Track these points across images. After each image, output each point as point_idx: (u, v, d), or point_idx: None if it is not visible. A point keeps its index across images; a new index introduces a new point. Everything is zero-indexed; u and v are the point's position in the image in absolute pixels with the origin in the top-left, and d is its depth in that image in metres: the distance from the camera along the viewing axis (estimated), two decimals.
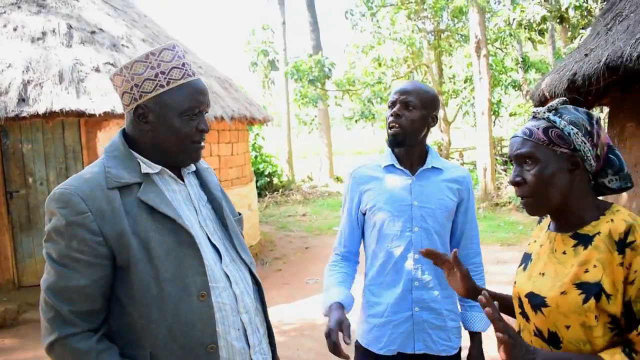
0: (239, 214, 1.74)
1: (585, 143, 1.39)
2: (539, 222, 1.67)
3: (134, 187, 1.43)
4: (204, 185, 1.65)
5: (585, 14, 9.49)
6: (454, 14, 15.07)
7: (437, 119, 2.13)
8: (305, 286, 6.92)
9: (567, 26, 11.96)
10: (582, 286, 1.33)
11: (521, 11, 9.41)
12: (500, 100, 17.13)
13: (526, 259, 1.58)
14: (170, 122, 1.46)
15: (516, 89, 17.50)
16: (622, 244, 1.30)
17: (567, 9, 8.72)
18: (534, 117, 1.46)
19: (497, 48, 16.34)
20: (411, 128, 2.03)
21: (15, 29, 6.07)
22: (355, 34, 16.52)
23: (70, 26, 6.31)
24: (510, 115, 17.91)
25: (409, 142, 2.06)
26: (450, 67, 18.18)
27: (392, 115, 2.05)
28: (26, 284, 6.11)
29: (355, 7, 16.29)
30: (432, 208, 2.07)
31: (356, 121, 15.97)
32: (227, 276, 1.52)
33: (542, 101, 3.55)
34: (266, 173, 15.61)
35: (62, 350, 1.35)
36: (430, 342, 2.08)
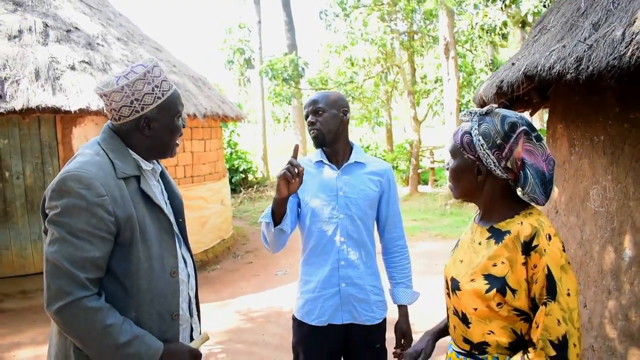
0: None
1: (488, 155, 1.52)
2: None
3: (132, 179, 1.74)
4: (166, 184, 2.00)
5: None
6: (425, 15, 15.46)
7: (347, 113, 2.45)
8: (274, 278, 7.22)
9: None
10: (488, 277, 1.51)
11: (484, 16, 9.81)
12: (470, 101, 17.57)
13: (456, 245, 1.80)
14: (168, 124, 1.80)
15: None
16: (527, 247, 1.45)
17: (526, 14, 9.15)
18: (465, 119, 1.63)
19: (466, 50, 16.74)
20: (326, 128, 2.38)
21: None
22: (329, 34, 16.86)
23: (47, 24, 6.43)
24: None
25: (329, 140, 2.41)
26: (422, 67, 18.55)
27: (309, 124, 2.41)
28: (2, 275, 6.25)
29: (329, 8, 16.64)
30: (355, 198, 2.41)
31: None
32: (184, 259, 1.90)
33: (481, 104, 3.90)
34: (241, 169, 15.81)
35: (75, 310, 1.54)
36: (355, 314, 2.41)
